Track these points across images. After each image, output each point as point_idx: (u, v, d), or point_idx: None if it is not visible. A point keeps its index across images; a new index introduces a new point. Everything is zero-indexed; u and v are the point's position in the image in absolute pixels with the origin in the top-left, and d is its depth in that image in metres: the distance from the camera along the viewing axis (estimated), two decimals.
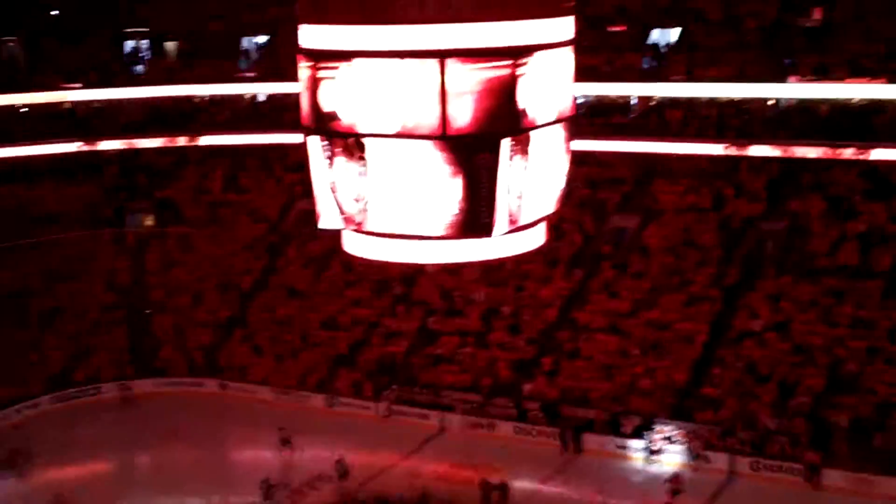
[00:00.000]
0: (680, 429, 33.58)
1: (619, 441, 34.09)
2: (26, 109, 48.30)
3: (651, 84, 43.08)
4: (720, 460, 32.49)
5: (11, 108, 47.77)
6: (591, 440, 34.36)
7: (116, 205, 48.83)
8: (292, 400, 39.53)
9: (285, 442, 34.50)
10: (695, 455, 32.75)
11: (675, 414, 34.38)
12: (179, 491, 32.22)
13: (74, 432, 37.08)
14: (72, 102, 49.38)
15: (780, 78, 39.64)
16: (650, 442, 33.45)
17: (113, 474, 34.52)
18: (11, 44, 50.00)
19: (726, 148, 40.32)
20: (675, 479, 30.17)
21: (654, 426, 33.90)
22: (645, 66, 43.73)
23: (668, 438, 33.50)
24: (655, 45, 45.24)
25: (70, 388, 40.50)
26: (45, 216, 46.89)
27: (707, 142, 41.02)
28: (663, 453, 33.22)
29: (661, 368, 35.92)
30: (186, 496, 32.12)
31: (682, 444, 33.19)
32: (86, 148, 47.80)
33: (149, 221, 49.19)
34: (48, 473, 34.08)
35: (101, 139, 47.97)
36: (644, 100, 44.74)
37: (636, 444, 33.67)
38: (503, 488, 30.19)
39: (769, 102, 42.10)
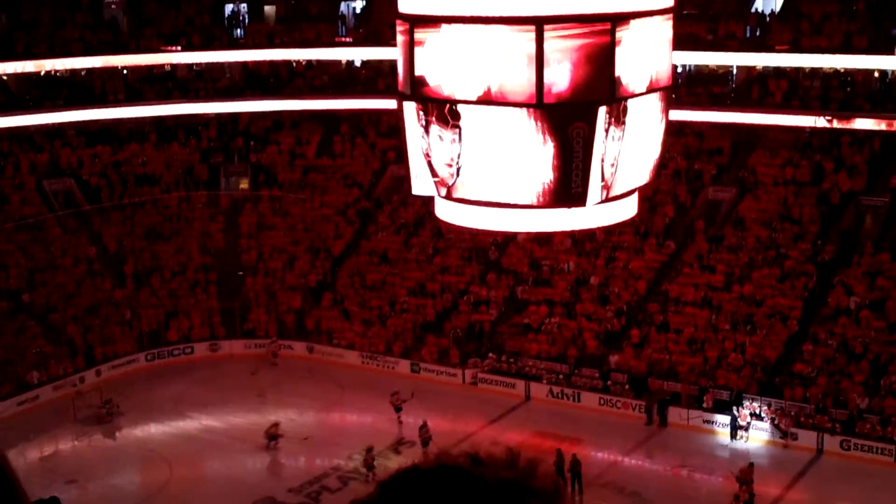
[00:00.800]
0: (769, 405, 33.18)
1: (705, 416, 33.82)
2: (127, 71, 49.29)
3: (753, 54, 42.32)
4: (809, 438, 32.06)
5: (114, 70, 48.77)
6: (676, 414, 34.14)
7: (213, 167, 49.56)
8: (378, 365, 39.90)
9: (398, 408, 34.70)
10: (783, 432, 32.35)
11: (765, 390, 33.97)
12: (263, 451, 32.77)
13: (165, 390, 37.94)
14: (172, 65, 50.21)
15: (887, 49, 38.63)
16: (737, 417, 33.11)
17: (198, 432, 35.23)
18: (114, 6, 50.92)
19: (828, 121, 39.51)
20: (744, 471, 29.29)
21: (742, 402, 33.54)
22: (747, 34, 42.97)
23: (756, 415, 33.14)
24: (759, 13, 44.38)
25: (163, 347, 41.41)
26: (143, 177, 47.83)
27: (808, 114, 40.27)
28: (750, 429, 32.86)
29: (752, 344, 35.48)
30: (270, 454, 32.72)
31: (770, 420, 32.81)
32: (185, 110, 48.66)
33: (244, 184, 49.86)
34: (136, 429, 35.00)
35: (200, 101, 48.75)
36: (745, 70, 43.99)
37: (723, 420, 33.36)
38: (574, 463, 29.59)
39: (874, 74, 41.10)
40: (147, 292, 43.41)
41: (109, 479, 31.08)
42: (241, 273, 45.21)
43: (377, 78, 47.83)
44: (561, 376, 36.93)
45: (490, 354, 38.52)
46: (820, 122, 39.81)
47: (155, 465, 32.04)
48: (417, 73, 12.68)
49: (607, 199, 13.05)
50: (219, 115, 50.20)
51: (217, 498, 28.89)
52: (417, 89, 12.84)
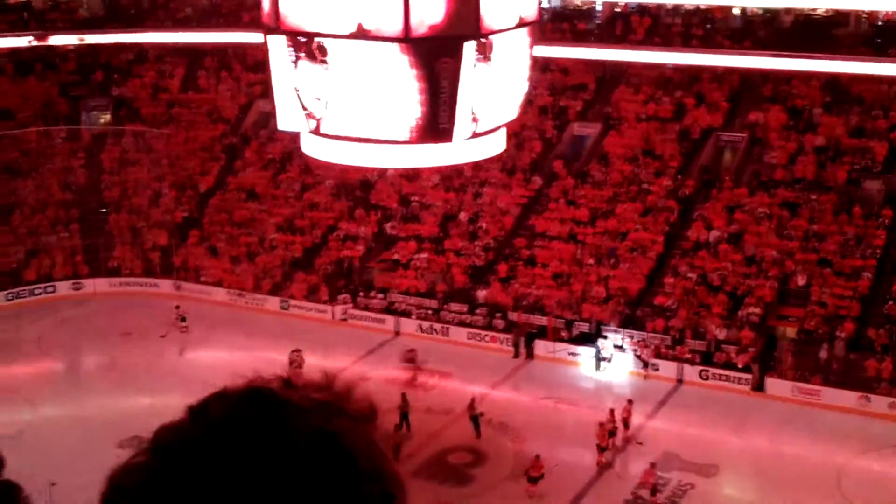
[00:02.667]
0: (631, 337, 34.10)
1: (570, 348, 34.57)
2: None
3: None
4: (669, 369, 33.10)
5: None
6: (542, 347, 34.82)
7: (73, 101, 48.03)
8: (247, 302, 39.59)
9: (182, 318, 36.12)
10: (645, 363, 33.31)
11: (627, 323, 34.88)
12: (130, 390, 32.18)
13: (27, 330, 36.98)
14: None
15: None
16: (601, 350, 33.94)
17: (63, 373, 34.53)
18: None
19: (687, 54, 40.37)
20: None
21: (605, 334, 34.39)
22: None
23: (619, 346, 34.04)
24: None
25: (23, 286, 40.29)
26: (0, 112, 46.10)
27: (671, 50, 40.98)
28: (613, 361, 33.75)
29: (615, 277, 36.33)
30: (138, 395, 32.10)
31: (632, 352, 33.74)
32: (41, 42, 46.90)
33: (105, 119, 48.52)
34: None
35: (57, 33, 47.04)
36: (609, 6, 44.49)
37: (587, 352, 34.16)
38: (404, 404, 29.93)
39: (734, 11, 42.06)
40: (6, 230, 42.07)
41: None
42: (103, 210, 44.17)
43: (241, 11, 46.82)
44: (430, 311, 37.25)
45: (359, 291, 38.60)
46: (681, 58, 40.55)
47: (18, 406, 31.26)
48: (283, 6, 12.49)
49: (475, 135, 13.14)
50: (78, 48, 48.54)
51: (85, 440, 28.33)
52: (283, 23, 12.66)
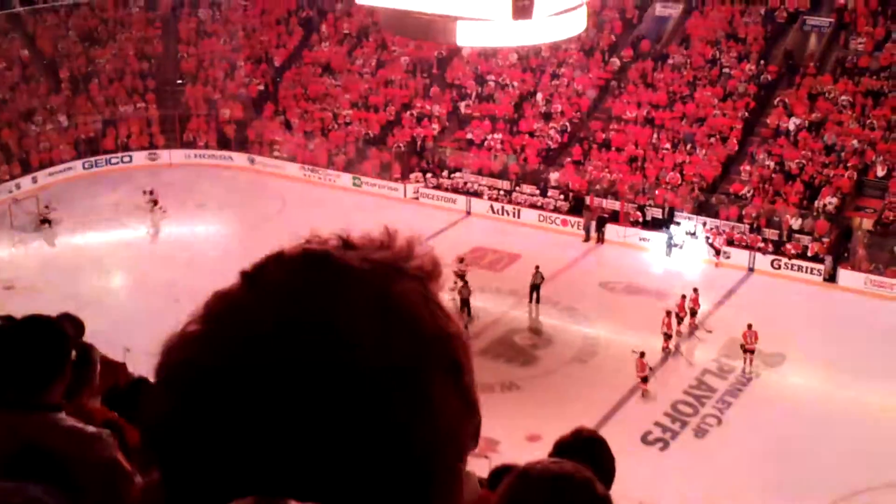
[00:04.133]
0: (704, 224, 33.80)
1: (642, 234, 34.39)
2: None
3: None
4: (741, 257, 32.82)
5: None
6: (613, 231, 34.67)
7: None
8: (320, 178, 39.82)
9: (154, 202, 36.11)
10: (716, 251, 33.05)
11: (701, 209, 34.52)
12: (205, 259, 32.60)
13: (104, 198, 37.64)
14: None
15: None
16: (672, 236, 33.71)
17: (137, 240, 35.15)
18: None
19: None
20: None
21: (677, 221, 34.11)
22: None
23: (691, 233, 33.77)
24: None
25: (100, 155, 40.90)
26: None
27: None
28: (684, 247, 33.53)
29: (691, 163, 35.85)
30: (210, 266, 32.55)
31: (704, 239, 33.47)
32: None
33: None
34: (75, 237, 34.86)
35: None
36: None
37: (658, 238, 33.96)
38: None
39: None
40: (83, 99, 42.55)
41: (48, 286, 31.00)
42: (180, 81, 44.39)
43: None
44: (502, 192, 37.18)
45: (434, 170, 38.60)
46: None
47: (93, 272, 32.01)
48: None
49: (555, 13, 12.89)
50: None
51: (161, 307, 28.94)
52: None
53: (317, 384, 1.05)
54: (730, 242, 33.19)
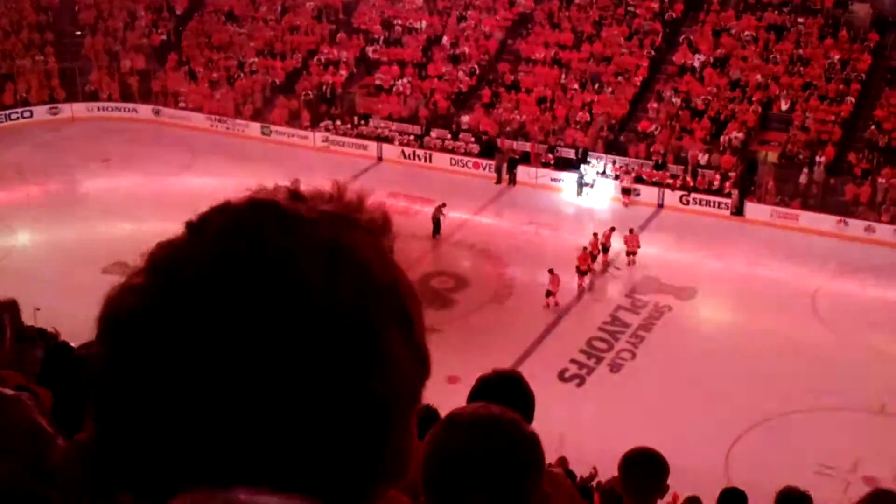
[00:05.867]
0: (613, 163, 34.12)
1: (553, 174, 34.60)
2: None
3: None
4: (650, 194, 33.25)
5: None
6: (525, 173, 34.82)
7: None
8: (228, 128, 39.26)
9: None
10: (626, 189, 33.41)
11: (610, 148, 34.83)
12: (111, 217, 32.03)
13: (5, 155, 36.61)
14: None
15: None
16: (583, 175, 33.97)
17: (42, 198, 34.34)
18: None
19: None
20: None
21: (588, 160, 34.38)
22: None
23: (601, 172, 34.08)
24: None
25: None
26: None
27: None
28: (595, 186, 33.83)
29: (599, 102, 36.08)
30: (119, 221, 31.95)
31: (613, 177, 33.80)
32: None
33: None
34: None
35: None
36: None
37: (569, 178, 34.19)
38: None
39: None
40: None
41: None
42: (78, 33, 43.25)
43: None
44: (413, 137, 37.07)
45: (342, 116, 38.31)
46: None
47: None
48: None
49: None
50: None
51: (67, 266, 28.33)
52: None
53: (265, 327, 1.01)
54: (639, 180, 33.57)
